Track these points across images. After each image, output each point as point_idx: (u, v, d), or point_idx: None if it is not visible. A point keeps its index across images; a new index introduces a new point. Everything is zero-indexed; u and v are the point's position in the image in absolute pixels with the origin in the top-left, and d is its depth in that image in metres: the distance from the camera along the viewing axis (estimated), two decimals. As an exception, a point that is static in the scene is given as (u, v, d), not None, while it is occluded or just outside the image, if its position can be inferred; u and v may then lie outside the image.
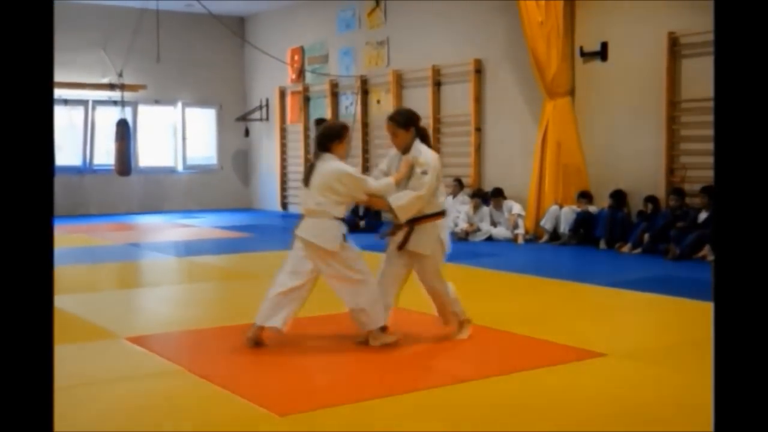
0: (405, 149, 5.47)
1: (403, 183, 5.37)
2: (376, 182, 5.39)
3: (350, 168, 5.37)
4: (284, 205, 18.11)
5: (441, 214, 5.48)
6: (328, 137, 5.36)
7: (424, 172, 5.28)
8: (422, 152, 5.39)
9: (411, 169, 5.35)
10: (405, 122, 5.47)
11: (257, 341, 5.38)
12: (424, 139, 5.54)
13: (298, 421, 3.93)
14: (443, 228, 5.51)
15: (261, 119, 18.55)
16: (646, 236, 10.17)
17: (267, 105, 18.40)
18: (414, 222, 5.35)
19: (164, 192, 18.17)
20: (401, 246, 5.39)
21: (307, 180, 5.34)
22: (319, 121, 16.21)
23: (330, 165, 5.27)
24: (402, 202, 5.28)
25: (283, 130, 17.98)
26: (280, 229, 14.61)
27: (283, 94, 17.86)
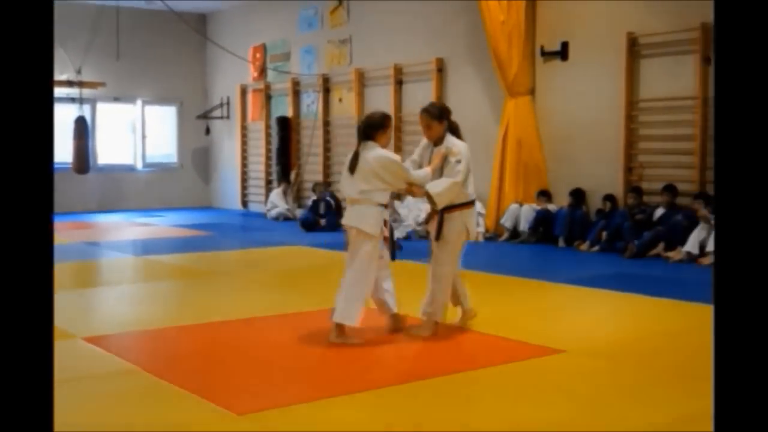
0: (437, 141, 5.75)
1: (436, 173, 5.62)
2: (415, 172, 5.62)
3: (396, 156, 5.59)
4: (245, 204, 18.01)
5: (470, 203, 5.76)
6: (372, 126, 5.57)
7: (458, 161, 5.56)
8: (455, 143, 5.67)
9: (444, 160, 5.60)
10: (439, 115, 5.74)
11: (397, 328, 5.73)
12: (454, 131, 5.79)
13: (256, 420, 3.91)
14: (470, 216, 5.77)
15: (222, 117, 18.42)
16: (604, 234, 10.28)
17: (228, 103, 18.28)
18: (445, 211, 5.60)
19: (123, 190, 17.97)
20: (437, 236, 5.64)
21: (352, 167, 5.48)
22: (281, 120, 16.19)
23: (376, 152, 5.46)
24: (439, 189, 5.53)
25: (245, 128, 17.88)
26: (240, 228, 14.54)
27: (244, 92, 17.75)
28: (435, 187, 5.53)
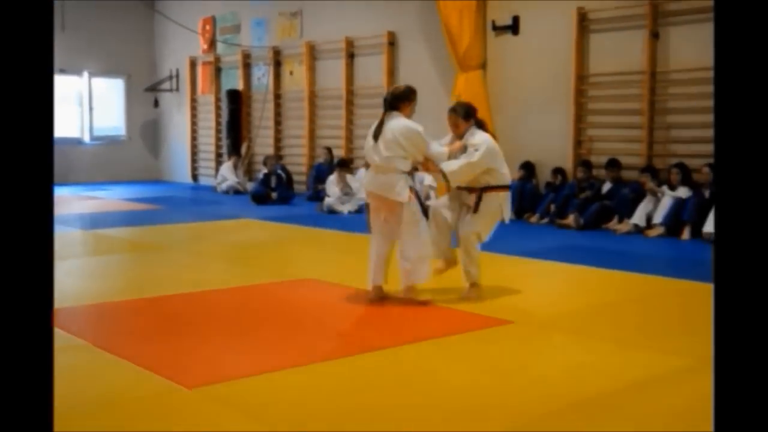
0: (463, 135, 6.03)
1: (455, 157, 5.88)
2: (434, 147, 5.85)
3: (419, 127, 5.73)
4: (195, 177, 17.83)
5: (506, 187, 6.08)
6: (399, 98, 5.80)
7: (476, 150, 5.83)
8: (476, 135, 5.96)
9: (463, 147, 5.90)
10: (465, 114, 6.06)
11: (381, 297, 5.86)
12: (481, 126, 6.12)
13: (207, 394, 3.89)
14: (505, 199, 6.10)
15: (171, 90, 18.17)
16: (553, 206, 10.39)
17: (177, 75, 18.03)
18: (483, 191, 5.93)
19: (70, 163, 17.64)
20: (475, 209, 5.95)
21: (377, 135, 5.69)
22: (232, 93, 16.03)
23: (400, 121, 5.70)
24: (454, 168, 5.80)
25: (194, 101, 17.66)
26: (190, 201, 14.40)
27: (194, 65, 17.52)
28: (450, 165, 5.79)
